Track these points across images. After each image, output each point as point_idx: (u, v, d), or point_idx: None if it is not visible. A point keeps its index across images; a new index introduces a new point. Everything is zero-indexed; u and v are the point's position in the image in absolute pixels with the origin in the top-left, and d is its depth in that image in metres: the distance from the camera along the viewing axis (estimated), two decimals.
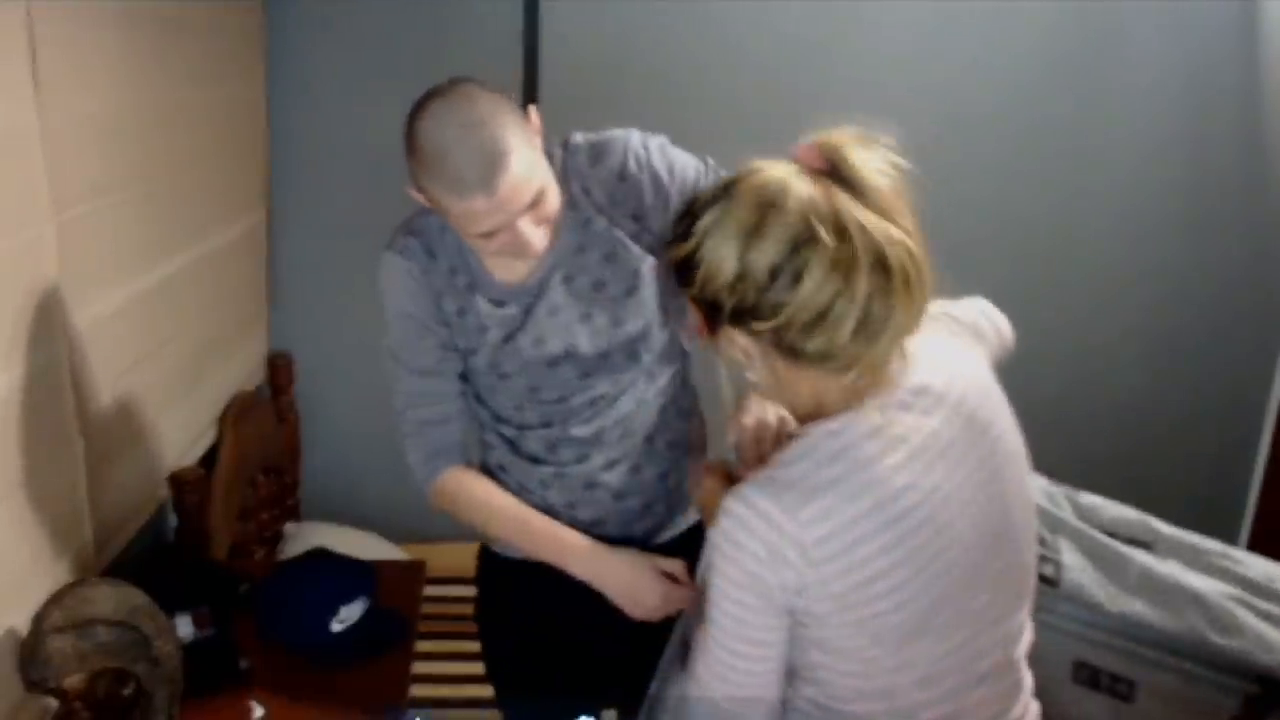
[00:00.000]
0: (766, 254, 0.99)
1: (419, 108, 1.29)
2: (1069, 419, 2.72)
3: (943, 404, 1.07)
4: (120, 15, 1.70)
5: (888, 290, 0.98)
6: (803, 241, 0.98)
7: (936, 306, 1.14)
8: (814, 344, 1.00)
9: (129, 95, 1.75)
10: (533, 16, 2.54)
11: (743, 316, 1.03)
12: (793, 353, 1.03)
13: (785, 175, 1.02)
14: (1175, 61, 2.64)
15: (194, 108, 2.06)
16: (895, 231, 1.00)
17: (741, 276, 1.01)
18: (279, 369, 2.66)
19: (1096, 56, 2.64)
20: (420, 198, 1.31)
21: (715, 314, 1.06)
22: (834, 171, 1.01)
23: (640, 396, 1.48)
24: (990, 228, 2.60)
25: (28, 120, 1.42)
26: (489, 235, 1.29)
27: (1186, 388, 2.87)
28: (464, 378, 1.49)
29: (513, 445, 1.51)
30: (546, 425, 1.47)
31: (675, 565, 1.40)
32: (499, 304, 1.42)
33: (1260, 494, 2.88)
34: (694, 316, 1.12)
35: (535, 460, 1.49)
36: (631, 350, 1.45)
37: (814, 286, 0.98)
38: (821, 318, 0.99)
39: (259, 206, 2.54)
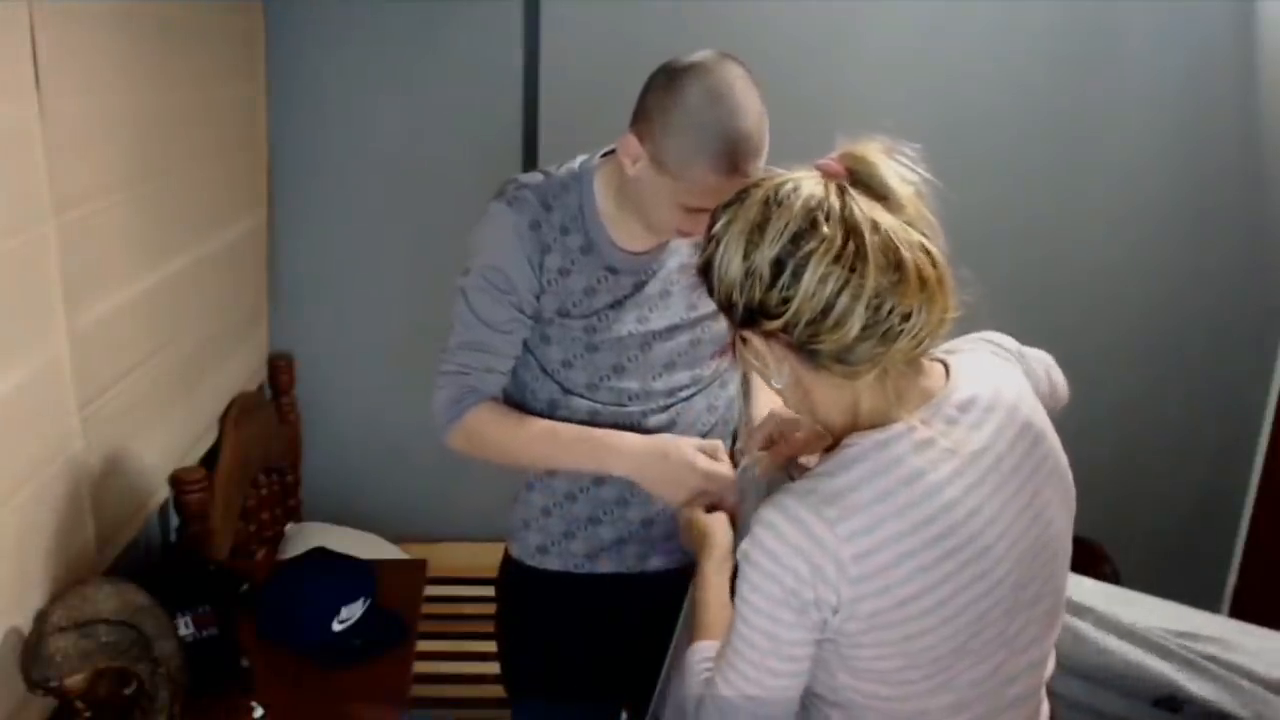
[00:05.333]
0: (770, 249, 0.99)
1: (688, 71, 1.28)
2: (1068, 419, 2.72)
3: (992, 414, 1.06)
4: (121, 17, 1.70)
5: (901, 289, 0.97)
6: (805, 235, 0.98)
7: (984, 340, 1.16)
8: (826, 343, 0.99)
9: (130, 96, 1.75)
10: (533, 16, 2.54)
11: (753, 316, 1.03)
12: (809, 355, 1.01)
13: (798, 178, 1.03)
14: (1172, 62, 2.65)
15: (195, 109, 2.07)
16: (914, 235, 0.99)
17: (748, 273, 1.01)
18: (280, 370, 2.66)
19: (1094, 58, 2.65)
20: (636, 148, 1.32)
21: (731, 318, 1.06)
22: (855, 178, 1.01)
23: (712, 401, 1.53)
24: (989, 229, 2.60)
25: (29, 121, 1.42)
26: (700, 211, 1.28)
27: (1186, 388, 2.87)
28: (528, 346, 1.49)
29: None
30: (619, 405, 1.47)
31: (713, 444, 1.40)
32: (614, 271, 1.44)
33: (1258, 494, 2.88)
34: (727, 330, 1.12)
35: None
36: (718, 348, 1.50)
37: (816, 280, 0.97)
38: (826, 313, 0.98)
39: (259, 207, 2.54)
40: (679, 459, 1.37)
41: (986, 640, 1.05)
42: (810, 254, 0.97)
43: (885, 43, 2.61)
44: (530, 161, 2.59)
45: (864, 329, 0.97)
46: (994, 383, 1.09)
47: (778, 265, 0.99)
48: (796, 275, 0.98)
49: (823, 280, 0.97)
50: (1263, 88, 2.68)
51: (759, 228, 1.00)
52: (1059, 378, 1.27)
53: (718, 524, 1.31)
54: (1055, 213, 2.74)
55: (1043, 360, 1.26)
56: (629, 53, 2.61)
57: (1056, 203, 2.73)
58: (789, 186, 1.01)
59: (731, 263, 1.02)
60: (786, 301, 0.99)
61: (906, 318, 0.98)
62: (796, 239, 0.98)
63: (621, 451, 1.41)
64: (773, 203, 1.01)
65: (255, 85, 2.48)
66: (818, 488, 1.01)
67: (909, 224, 1.00)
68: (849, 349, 0.99)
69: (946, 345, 1.11)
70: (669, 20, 2.52)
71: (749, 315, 1.03)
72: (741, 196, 1.05)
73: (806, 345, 1.00)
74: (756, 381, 1.53)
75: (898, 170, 1.02)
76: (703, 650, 1.16)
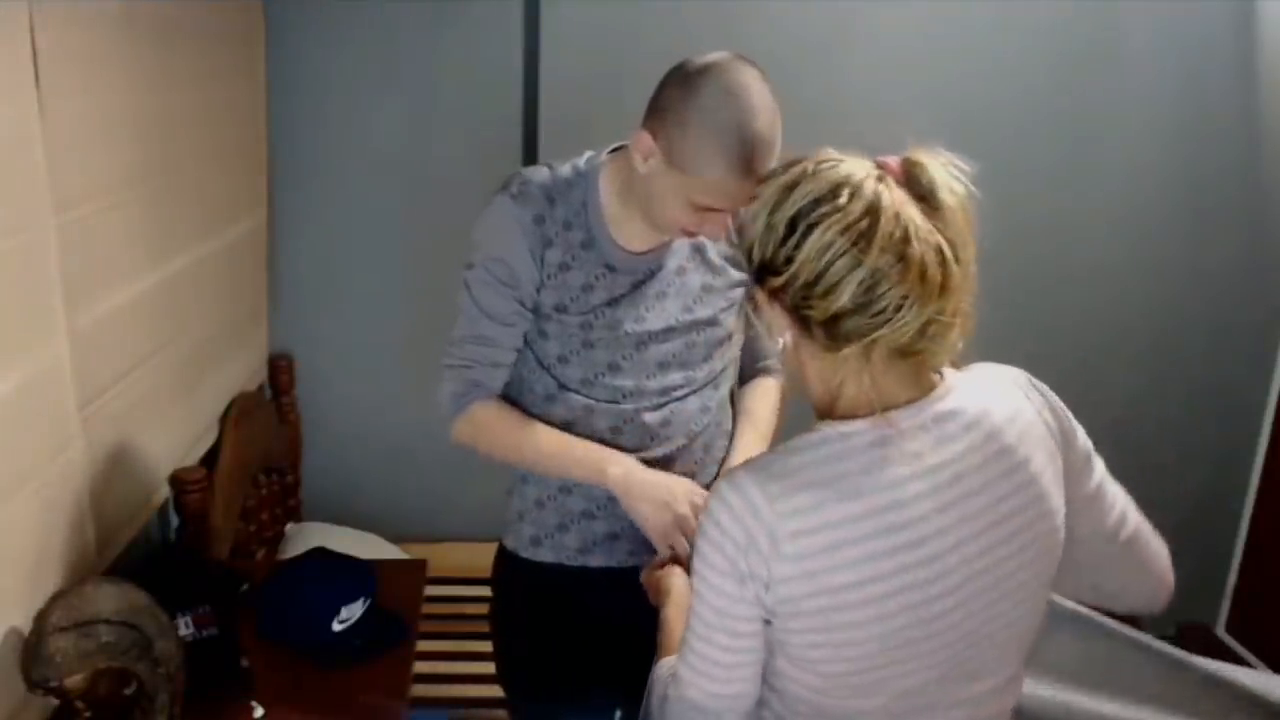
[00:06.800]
0: (791, 208, 1.02)
1: (704, 71, 1.30)
2: None
3: (970, 432, 1.05)
4: (121, 17, 1.70)
5: (900, 276, 0.98)
6: (823, 201, 1.00)
7: (1008, 369, 1.15)
8: (816, 309, 1.01)
9: (130, 97, 1.75)
10: (533, 16, 2.54)
11: (763, 272, 1.06)
12: (801, 320, 1.04)
13: (846, 159, 1.05)
14: (1172, 63, 2.65)
15: (194, 109, 2.06)
16: (938, 237, 1.00)
17: (768, 228, 1.04)
18: (280, 370, 2.66)
19: (1094, 58, 2.65)
20: (649, 145, 1.33)
21: (750, 273, 1.09)
22: (908, 179, 1.03)
23: (705, 402, 1.53)
24: (989, 229, 2.58)
25: (29, 121, 1.41)
26: (709, 210, 1.32)
27: (1186, 388, 2.87)
28: (526, 340, 1.50)
29: (568, 427, 1.51)
30: (614, 402, 1.48)
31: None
32: (612, 269, 1.45)
33: (1258, 494, 2.88)
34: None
35: (596, 441, 1.50)
36: (710, 351, 1.51)
37: (821, 245, 0.99)
38: (820, 278, 1.00)
39: (259, 208, 2.54)
40: (662, 506, 1.40)
41: (921, 653, 1.03)
42: (822, 218, 1.00)
43: (884, 43, 2.61)
44: (530, 162, 2.59)
45: (853, 304, 0.99)
46: (984, 403, 1.07)
47: (792, 224, 1.02)
48: (805, 236, 1.01)
49: (826, 246, 0.99)
50: (1263, 88, 2.68)
51: (789, 188, 1.03)
52: (1149, 536, 1.31)
53: (674, 573, 1.36)
54: (1055, 213, 2.74)
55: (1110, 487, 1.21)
56: (629, 53, 2.62)
57: (1056, 203, 2.73)
58: (831, 163, 1.04)
59: (759, 216, 1.05)
60: (790, 260, 1.02)
61: (899, 308, 0.99)
62: (816, 203, 1.01)
63: (620, 470, 1.43)
64: (811, 171, 1.04)
65: (255, 85, 2.48)
66: (770, 464, 1.04)
67: (939, 229, 1.01)
68: (836, 321, 1.00)
69: (969, 367, 1.11)
70: (669, 20, 2.52)
71: (761, 270, 1.06)
72: (789, 164, 1.08)
73: (799, 308, 1.03)
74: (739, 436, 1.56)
75: (948, 181, 1.04)
76: (668, 663, 1.18)
